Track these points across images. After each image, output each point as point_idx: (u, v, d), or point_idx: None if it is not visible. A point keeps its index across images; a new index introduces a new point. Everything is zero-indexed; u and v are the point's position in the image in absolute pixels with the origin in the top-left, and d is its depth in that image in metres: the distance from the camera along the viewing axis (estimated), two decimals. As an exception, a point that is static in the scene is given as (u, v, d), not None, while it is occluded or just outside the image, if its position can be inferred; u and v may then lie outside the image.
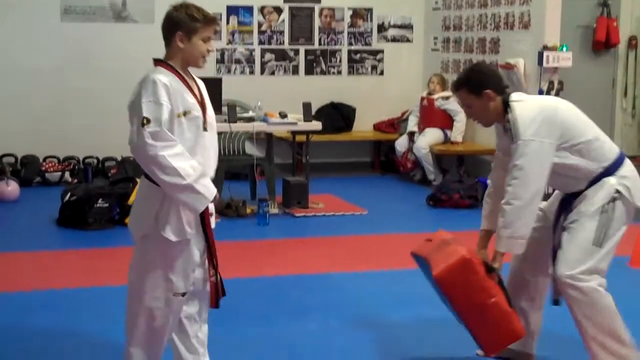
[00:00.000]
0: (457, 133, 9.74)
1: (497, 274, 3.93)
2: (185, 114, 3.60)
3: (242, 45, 10.46)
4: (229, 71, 10.37)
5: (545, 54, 8.65)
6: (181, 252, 3.70)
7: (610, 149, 4.03)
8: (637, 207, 3.99)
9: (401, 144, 10.00)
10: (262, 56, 10.55)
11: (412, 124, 10.12)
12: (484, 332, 3.90)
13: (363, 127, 10.84)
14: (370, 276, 6.06)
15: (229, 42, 10.42)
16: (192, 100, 3.65)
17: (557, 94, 8.73)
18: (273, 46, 10.57)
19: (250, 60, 10.50)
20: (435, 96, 9.89)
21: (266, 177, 8.23)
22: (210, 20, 3.70)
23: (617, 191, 3.93)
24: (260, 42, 10.54)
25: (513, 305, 3.96)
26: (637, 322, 4.64)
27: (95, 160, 9.65)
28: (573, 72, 9.52)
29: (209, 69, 10.08)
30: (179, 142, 3.56)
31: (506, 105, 4.00)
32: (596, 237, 3.90)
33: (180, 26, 3.67)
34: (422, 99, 10.05)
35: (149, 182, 3.66)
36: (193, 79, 3.79)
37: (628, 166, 4.03)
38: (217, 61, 10.34)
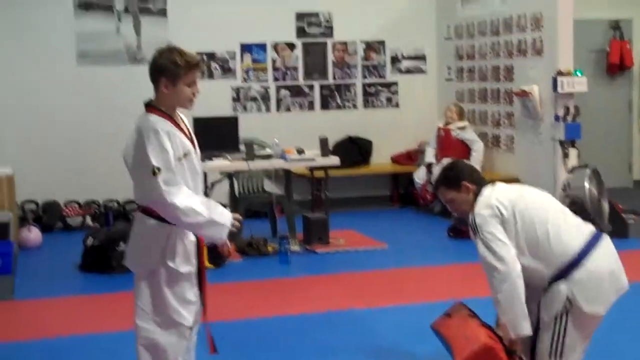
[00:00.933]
0: (475, 162, 9.66)
1: (518, 356, 3.93)
2: (185, 156, 3.70)
3: (257, 83, 10.53)
4: (245, 109, 10.43)
5: (559, 79, 8.66)
6: (187, 284, 3.79)
7: (566, 247, 3.91)
8: (590, 314, 3.88)
9: (420, 175, 10.00)
10: (278, 92, 10.61)
11: (429, 155, 10.11)
12: None
13: (380, 160, 10.86)
14: (394, 311, 6.04)
15: (244, 80, 10.48)
16: (187, 142, 3.76)
17: (573, 120, 8.73)
18: (288, 82, 10.63)
19: (265, 97, 10.56)
20: (451, 126, 9.89)
21: (286, 214, 8.24)
22: (193, 66, 3.74)
23: (568, 299, 3.87)
24: (275, 79, 10.60)
25: None
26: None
27: (115, 204, 9.69)
28: (588, 97, 9.53)
29: (225, 107, 10.17)
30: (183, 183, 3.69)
31: (477, 196, 4.11)
32: (553, 349, 3.92)
33: (164, 73, 3.73)
34: (439, 129, 10.06)
35: (151, 219, 3.73)
36: (180, 118, 3.87)
37: (588, 264, 3.88)
38: (233, 99, 10.40)
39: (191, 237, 3.80)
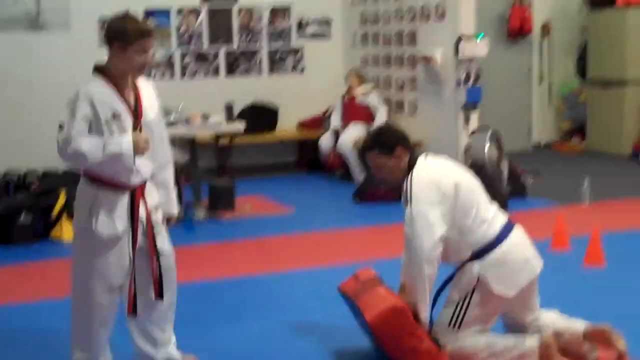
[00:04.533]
0: (379, 127, 9.81)
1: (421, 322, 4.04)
2: (114, 117, 3.79)
3: (161, 48, 10.38)
4: (148, 75, 10.24)
5: (461, 44, 8.79)
6: (113, 247, 3.88)
7: (486, 231, 4.06)
8: (497, 294, 4.04)
9: (326, 141, 10.02)
10: (182, 59, 10.49)
11: (335, 121, 10.16)
12: None
13: (287, 126, 10.86)
14: (302, 275, 6.10)
15: (148, 47, 10.30)
16: (119, 105, 3.82)
17: (474, 84, 8.88)
18: (192, 48, 10.52)
19: (169, 63, 10.43)
20: (355, 92, 9.96)
21: (191, 181, 8.20)
22: (145, 34, 3.85)
23: (479, 277, 4.02)
24: (180, 45, 10.47)
25: (441, 345, 4.07)
26: (562, 301, 4.78)
27: (15, 175, 9.43)
28: (490, 61, 9.71)
29: (129, 75, 9.99)
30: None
31: (411, 165, 4.12)
32: (452, 320, 4.08)
33: (117, 38, 3.83)
34: (344, 95, 10.12)
35: (83, 178, 3.92)
36: (133, 84, 3.95)
37: (503, 249, 4.05)
38: (137, 66, 10.22)
39: (123, 199, 3.88)
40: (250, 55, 10.79)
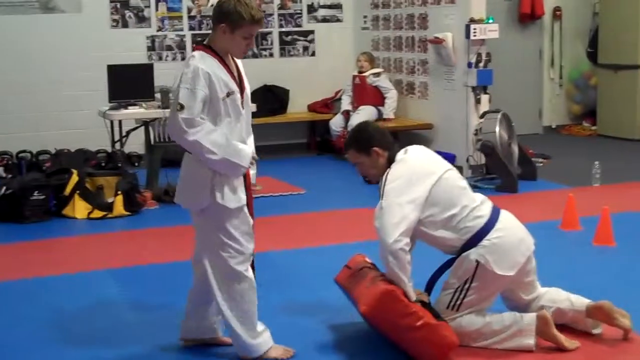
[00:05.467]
0: (389, 109, 9.87)
1: (417, 302, 4.07)
2: (228, 95, 3.88)
3: (173, 32, 10.41)
4: (160, 58, 10.31)
5: (472, 26, 8.77)
6: (240, 217, 3.98)
7: (474, 220, 4.12)
8: (498, 275, 4.09)
9: (337, 123, 10.07)
10: (193, 42, 10.50)
11: (346, 103, 10.21)
12: (419, 350, 4.04)
13: (297, 108, 10.89)
14: (311, 252, 6.14)
15: (159, 29, 10.35)
16: (232, 83, 3.91)
17: (485, 66, 8.86)
18: (203, 31, 10.53)
19: (181, 46, 10.45)
20: (366, 74, 9.99)
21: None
22: (256, 21, 3.91)
23: (477, 262, 4.07)
24: (191, 28, 10.49)
25: (443, 318, 4.10)
26: (571, 278, 4.81)
27: (28, 154, 9.51)
28: (500, 44, 9.71)
29: (140, 56, 10.05)
30: (214, 122, 3.86)
31: (390, 161, 4.19)
32: (451, 303, 4.14)
33: (226, 19, 3.87)
34: (354, 77, 10.14)
35: (194, 159, 3.95)
36: (233, 60, 4.02)
37: (496, 232, 4.10)
38: (148, 48, 10.27)
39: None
40: (261, 38, 10.80)
